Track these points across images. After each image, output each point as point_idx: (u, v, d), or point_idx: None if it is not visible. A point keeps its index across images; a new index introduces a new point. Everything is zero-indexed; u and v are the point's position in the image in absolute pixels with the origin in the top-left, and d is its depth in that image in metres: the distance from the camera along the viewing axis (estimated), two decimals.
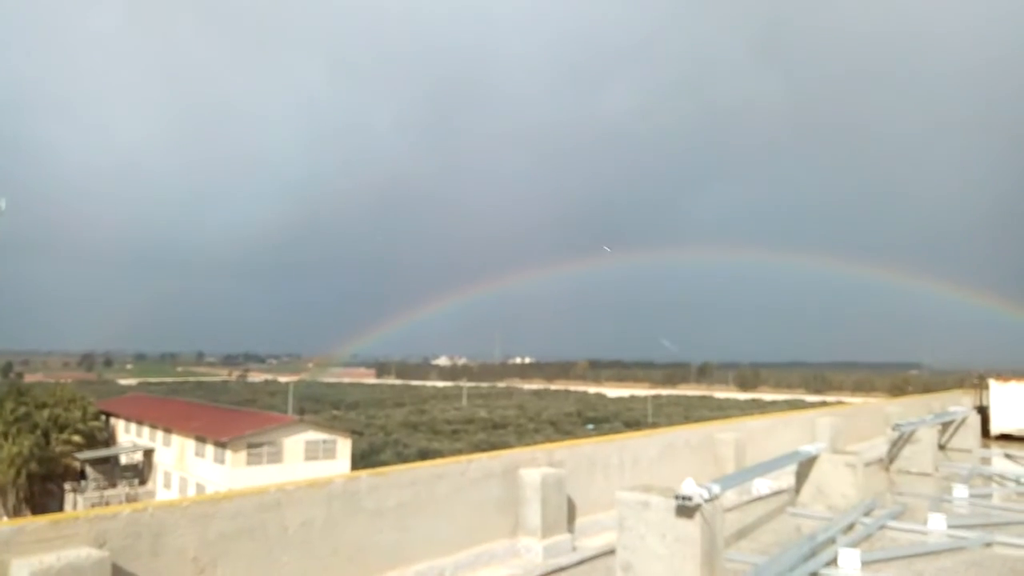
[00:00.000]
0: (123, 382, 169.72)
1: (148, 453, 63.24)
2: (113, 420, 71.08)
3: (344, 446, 57.36)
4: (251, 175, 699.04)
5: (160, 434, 62.34)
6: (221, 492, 5.86)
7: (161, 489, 60.43)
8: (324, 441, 56.26)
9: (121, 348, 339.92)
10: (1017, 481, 13.84)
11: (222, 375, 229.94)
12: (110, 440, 68.77)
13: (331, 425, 63.48)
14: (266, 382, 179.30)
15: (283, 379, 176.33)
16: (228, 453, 51.91)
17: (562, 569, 7.41)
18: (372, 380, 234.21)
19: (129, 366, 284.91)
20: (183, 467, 58.09)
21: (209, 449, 54.57)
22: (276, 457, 53.39)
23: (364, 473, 6.63)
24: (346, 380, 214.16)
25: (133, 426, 67.62)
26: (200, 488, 53.38)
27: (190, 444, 57.26)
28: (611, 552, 7.34)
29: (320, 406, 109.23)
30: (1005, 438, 20.64)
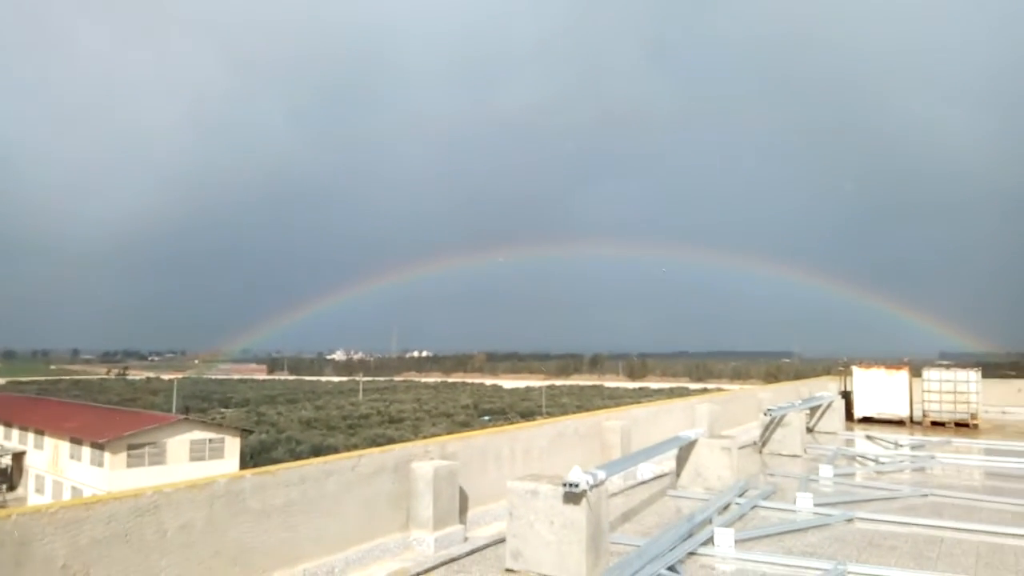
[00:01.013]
0: None
1: (18, 456, 59.26)
2: None
3: (233, 445, 55.40)
4: (135, 164, 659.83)
5: (32, 436, 58.52)
6: (94, 496, 5.60)
7: (33, 494, 56.68)
8: (211, 440, 54.13)
9: None
10: (876, 460, 14.94)
11: (100, 373, 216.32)
12: None
13: (218, 423, 61.24)
14: (148, 380, 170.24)
15: (167, 376, 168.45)
16: (106, 455, 49.20)
17: (453, 560, 7.49)
18: (263, 376, 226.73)
19: None
20: (57, 471, 54.64)
21: (86, 451, 51.53)
22: (159, 458, 51.00)
23: (249, 472, 6.48)
24: (235, 376, 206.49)
25: (1, 428, 63.11)
26: (77, 492, 50.39)
27: (65, 446, 53.97)
28: (502, 541, 7.49)
29: (207, 404, 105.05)
30: (867, 420, 22.26)
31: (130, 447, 50.13)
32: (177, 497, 5.74)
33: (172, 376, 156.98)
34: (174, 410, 77.67)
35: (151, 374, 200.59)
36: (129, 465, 49.59)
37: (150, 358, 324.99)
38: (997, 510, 10.21)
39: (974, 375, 21.69)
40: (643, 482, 11.99)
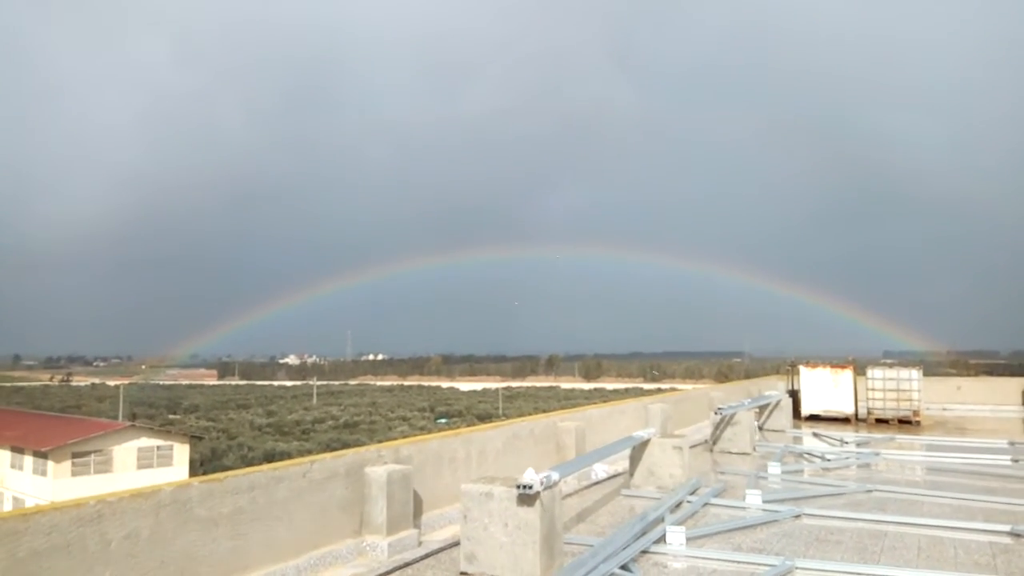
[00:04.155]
0: None
1: None
2: None
3: (182, 452, 54.28)
4: (86, 165, 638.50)
5: None
6: (34, 506, 5.43)
7: None
8: (159, 447, 52.96)
9: None
10: (823, 457, 15.30)
11: (43, 379, 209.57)
12: None
13: (167, 430, 59.87)
14: (93, 386, 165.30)
15: (113, 382, 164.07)
16: (50, 464, 47.69)
17: (407, 564, 7.44)
18: (214, 381, 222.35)
19: None
20: None
21: (28, 460, 49.88)
22: (105, 466, 49.69)
23: (196, 480, 6.35)
24: (184, 382, 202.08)
25: None
26: (18, 503, 48.74)
27: (5, 455, 52.08)
28: (456, 544, 7.48)
29: (155, 410, 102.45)
30: (813, 418, 22.77)
31: (75, 455, 48.72)
32: (121, 506, 5.60)
33: (118, 382, 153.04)
34: (121, 417, 75.59)
35: (96, 380, 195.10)
36: (74, 474, 48.22)
37: (95, 364, 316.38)
38: (938, 504, 10.54)
39: (916, 373, 22.31)
40: (597, 482, 12.08)
